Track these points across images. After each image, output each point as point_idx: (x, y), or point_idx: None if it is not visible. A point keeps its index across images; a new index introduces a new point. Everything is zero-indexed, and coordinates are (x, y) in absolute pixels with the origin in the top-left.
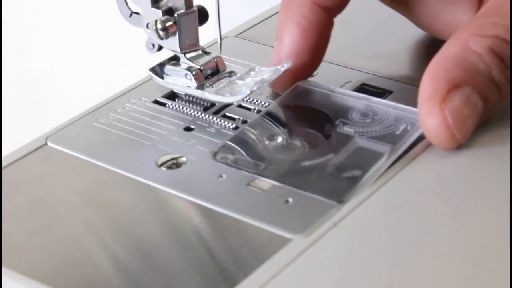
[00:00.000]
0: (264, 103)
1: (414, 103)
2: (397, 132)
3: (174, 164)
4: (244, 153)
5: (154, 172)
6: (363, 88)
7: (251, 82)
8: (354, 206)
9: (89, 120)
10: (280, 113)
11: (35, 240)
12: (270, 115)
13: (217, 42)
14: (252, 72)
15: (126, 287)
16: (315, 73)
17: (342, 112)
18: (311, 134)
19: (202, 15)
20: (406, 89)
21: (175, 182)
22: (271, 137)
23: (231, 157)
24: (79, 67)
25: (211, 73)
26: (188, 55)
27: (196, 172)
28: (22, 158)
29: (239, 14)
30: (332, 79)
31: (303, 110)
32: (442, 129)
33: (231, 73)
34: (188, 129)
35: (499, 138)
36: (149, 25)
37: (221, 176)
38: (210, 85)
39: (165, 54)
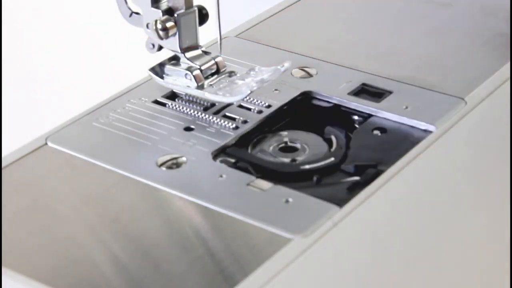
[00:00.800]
0: (264, 103)
1: (414, 103)
2: None
3: (174, 164)
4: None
5: (154, 172)
6: (363, 88)
7: (251, 82)
8: (354, 206)
9: (89, 120)
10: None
11: (35, 240)
12: None
13: (217, 42)
14: (252, 72)
15: (126, 287)
16: (315, 72)
17: None
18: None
19: (202, 15)
20: (406, 89)
21: (175, 182)
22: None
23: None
24: (79, 67)
25: (211, 73)
26: (188, 55)
27: (196, 172)
28: (22, 158)
29: (239, 14)
30: (332, 79)
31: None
32: None
33: (231, 73)
34: (188, 129)
35: (499, 138)
36: (149, 25)
37: (221, 176)
38: (210, 85)
39: (165, 54)
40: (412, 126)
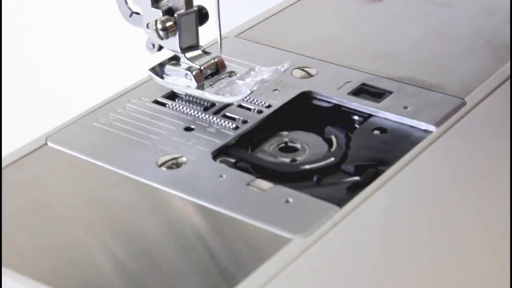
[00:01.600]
0: (264, 103)
1: (414, 103)
2: None
3: (174, 164)
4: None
5: (154, 172)
6: (363, 88)
7: (251, 82)
8: (354, 206)
9: (89, 120)
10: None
11: (35, 240)
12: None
13: (217, 42)
14: (252, 72)
15: (126, 287)
16: (315, 72)
17: None
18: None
19: (202, 16)
20: (406, 89)
21: (175, 182)
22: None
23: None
24: (79, 67)
25: (211, 73)
26: (188, 55)
27: (196, 172)
28: (22, 158)
29: (239, 14)
30: (332, 79)
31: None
32: None
33: (231, 73)
34: (188, 129)
35: (499, 138)
36: (149, 25)
37: (221, 176)
38: (210, 85)
39: (165, 54)
40: (412, 126)
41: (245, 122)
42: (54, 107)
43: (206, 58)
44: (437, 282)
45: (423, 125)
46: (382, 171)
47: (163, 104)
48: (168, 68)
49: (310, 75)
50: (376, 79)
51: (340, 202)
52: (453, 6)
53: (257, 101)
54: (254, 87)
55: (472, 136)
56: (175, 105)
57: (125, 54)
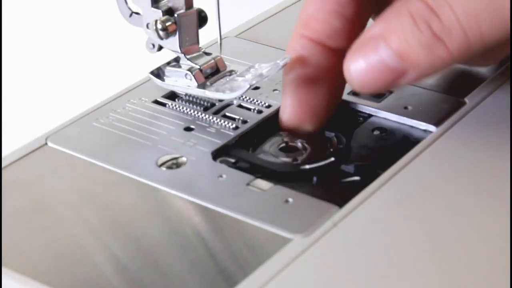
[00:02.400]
0: (264, 103)
1: (414, 103)
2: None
3: (174, 164)
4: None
5: (154, 172)
6: None
7: (250, 78)
8: (354, 207)
9: (89, 120)
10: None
11: (35, 240)
12: None
13: (217, 42)
14: (252, 69)
15: (126, 287)
16: None
17: None
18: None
19: (201, 18)
20: (406, 89)
21: (175, 182)
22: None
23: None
24: (79, 67)
25: (211, 73)
26: (188, 55)
27: (196, 172)
28: (22, 158)
29: (239, 14)
30: None
31: None
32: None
33: (231, 72)
34: (188, 129)
35: (499, 138)
36: (149, 25)
37: (221, 176)
38: (211, 84)
39: (165, 54)
40: (412, 126)
41: (245, 122)
42: (54, 107)
43: (206, 58)
44: (437, 282)
45: (423, 125)
46: (382, 171)
47: (163, 104)
48: (168, 69)
49: None
50: None
51: (340, 202)
52: None
53: (257, 101)
54: (253, 81)
55: (472, 136)
56: (175, 105)
57: (125, 54)
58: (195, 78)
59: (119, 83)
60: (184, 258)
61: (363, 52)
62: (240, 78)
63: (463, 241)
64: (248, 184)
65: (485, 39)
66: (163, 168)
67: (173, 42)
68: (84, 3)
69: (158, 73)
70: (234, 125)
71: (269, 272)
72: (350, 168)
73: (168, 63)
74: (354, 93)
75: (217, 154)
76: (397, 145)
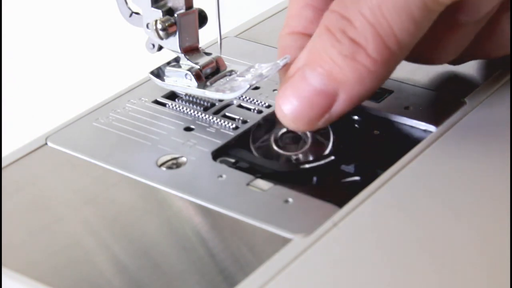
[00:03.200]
0: (264, 103)
1: (414, 103)
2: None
3: (174, 164)
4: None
5: (154, 172)
6: None
7: (250, 78)
8: (354, 207)
9: (89, 120)
10: None
11: (35, 240)
12: None
13: (217, 42)
14: (252, 69)
15: (126, 287)
16: None
17: None
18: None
19: (201, 18)
20: (406, 89)
21: (175, 182)
22: None
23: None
24: (79, 67)
25: (211, 73)
26: (188, 55)
27: (196, 172)
28: (22, 158)
29: (239, 14)
30: None
31: None
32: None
33: (231, 72)
34: (188, 129)
35: (499, 138)
36: (149, 25)
37: (221, 176)
38: (211, 84)
39: (165, 54)
40: (412, 126)
41: (245, 122)
42: (54, 107)
43: (206, 58)
44: (437, 282)
45: (423, 125)
46: (382, 171)
47: (163, 104)
48: (168, 69)
49: None
50: None
51: (340, 202)
52: None
53: (257, 101)
54: (253, 81)
55: (472, 136)
56: (175, 105)
57: (125, 54)
58: (195, 78)
59: (119, 83)
60: (184, 258)
61: (292, 86)
62: (240, 78)
63: (463, 241)
64: (248, 184)
65: (396, 33)
66: (163, 168)
67: (173, 42)
68: (84, 3)
69: (158, 73)
70: (234, 125)
71: (269, 272)
72: (350, 168)
73: (168, 63)
74: None
75: (217, 154)
76: (397, 145)
